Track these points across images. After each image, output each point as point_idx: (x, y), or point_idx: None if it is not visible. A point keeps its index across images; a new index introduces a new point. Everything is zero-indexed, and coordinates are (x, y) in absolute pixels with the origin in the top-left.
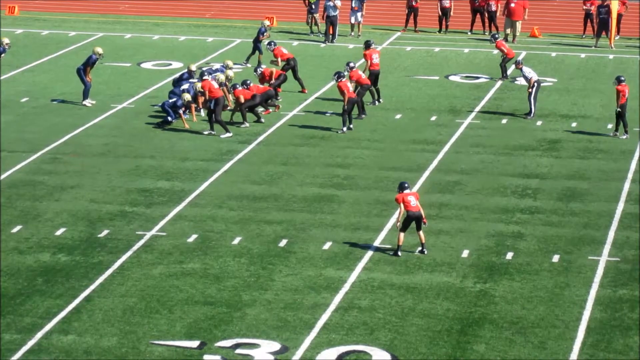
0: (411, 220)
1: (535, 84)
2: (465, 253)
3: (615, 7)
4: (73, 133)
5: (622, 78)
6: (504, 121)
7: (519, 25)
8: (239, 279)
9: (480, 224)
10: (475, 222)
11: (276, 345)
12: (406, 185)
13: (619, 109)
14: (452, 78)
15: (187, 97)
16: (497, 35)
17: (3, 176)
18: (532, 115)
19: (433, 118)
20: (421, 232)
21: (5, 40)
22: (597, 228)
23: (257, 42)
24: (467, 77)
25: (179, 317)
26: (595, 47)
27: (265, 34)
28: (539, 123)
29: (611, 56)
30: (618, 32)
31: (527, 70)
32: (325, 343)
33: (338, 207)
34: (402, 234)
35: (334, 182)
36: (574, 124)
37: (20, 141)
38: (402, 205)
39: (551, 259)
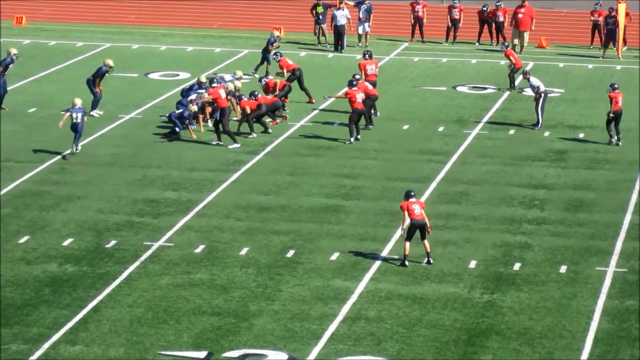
0: (415, 229)
1: (542, 94)
2: (472, 263)
3: (622, 18)
4: (81, 143)
5: (616, 85)
6: (511, 132)
7: (526, 35)
8: (246, 290)
9: (488, 234)
10: (483, 233)
11: (283, 356)
12: (412, 193)
13: (612, 115)
14: (459, 88)
15: (194, 107)
16: (507, 44)
17: (11, 186)
18: (539, 125)
19: (440, 128)
20: (426, 242)
21: (13, 51)
22: (604, 239)
23: (266, 52)
24: (474, 87)
25: (186, 327)
26: (603, 57)
27: (274, 44)
28: (546, 134)
29: (618, 67)
30: (625, 42)
31: (535, 81)
32: (332, 354)
33: (345, 217)
34: (407, 244)
35: (341, 192)
36: (581, 135)
37: (28, 151)
38: (406, 213)
39: (558, 269)
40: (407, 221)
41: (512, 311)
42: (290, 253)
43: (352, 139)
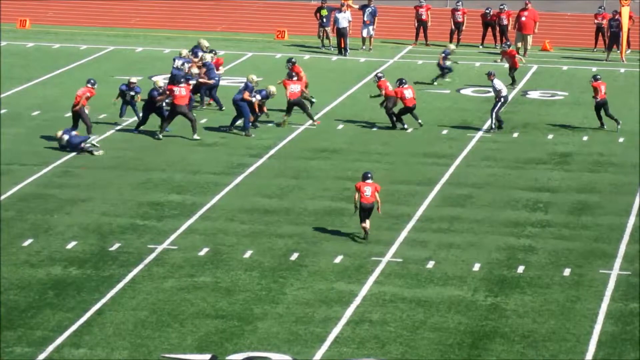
0: (362, 211)
1: (502, 99)
2: (476, 266)
3: (625, 20)
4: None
5: (598, 76)
6: (515, 135)
7: (529, 39)
8: (250, 293)
9: (492, 237)
10: (487, 236)
11: (287, 359)
12: (369, 175)
13: (597, 102)
14: (463, 91)
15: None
16: (509, 43)
17: (15, 189)
18: (494, 128)
19: (444, 131)
20: (367, 222)
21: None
22: (608, 241)
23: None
24: (478, 90)
25: (190, 330)
26: (607, 60)
27: (448, 56)
28: (550, 136)
29: (622, 70)
30: (629, 45)
31: (498, 84)
32: (336, 357)
33: (349, 220)
34: (362, 224)
35: (345, 195)
36: (585, 138)
37: (32, 154)
38: (357, 194)
39: (562, 272)
40: (357, 201)
41: (516, 314)
42: (294, 256)
43: (406, 126)
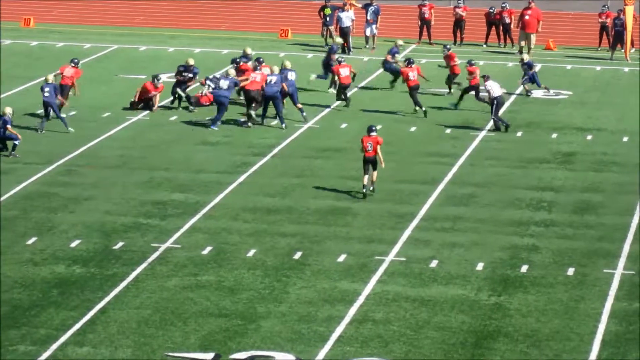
0: (366, 163)
1: (495, 101)
2: (479, 266)
3: (630, 19)
4: (88, 145)
5: (473, 62)
6: (519, 134)
7: (533, 37)
8: (253, 291)
9: (495, 236)
10: (490, 235)
11: (290, 358)
12: (373, 128)
13: (466, 87)
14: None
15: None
16: (449, 47)
17: (18, 188)
18: (501, 129)
19: (447, 131)
20: (375, 173)
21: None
22: (611, 241)
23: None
24: (481, 89)
25: (193, 329)
26: (611, 59)
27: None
28: (553, 136)
29: (626, 69)
30: (632, 44)
31: (489, 84)
32: (339, 356)
33: (352, 219)
34: (365, 177)
35: (348, 194)
36: (588, 137)
37: (35, 153)
38: (362, 145)
39: (566, 272)
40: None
41: (519, 313)
42: (298, 255)
43: (422, 109)
